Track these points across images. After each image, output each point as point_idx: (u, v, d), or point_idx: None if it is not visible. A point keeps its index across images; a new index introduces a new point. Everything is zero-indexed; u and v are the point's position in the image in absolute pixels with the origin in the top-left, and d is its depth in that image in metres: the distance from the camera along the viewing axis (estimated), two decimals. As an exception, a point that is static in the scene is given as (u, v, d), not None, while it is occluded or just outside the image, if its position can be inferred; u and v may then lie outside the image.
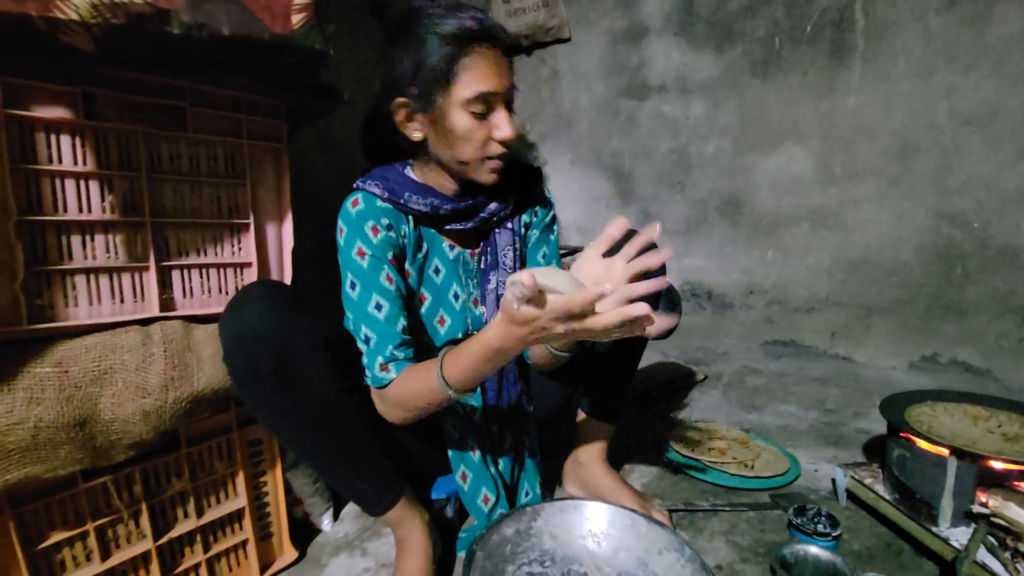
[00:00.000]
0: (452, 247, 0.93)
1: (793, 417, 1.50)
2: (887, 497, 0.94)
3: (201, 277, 0.80)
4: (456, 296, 0.94)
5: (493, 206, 0.92)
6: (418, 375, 0.79)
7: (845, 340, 1.96)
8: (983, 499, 0.81)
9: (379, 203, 0.85)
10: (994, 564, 0.74)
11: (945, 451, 0.84)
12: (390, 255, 0.84)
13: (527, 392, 1.01)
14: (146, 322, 0.75)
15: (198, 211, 0.79)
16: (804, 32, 1.93)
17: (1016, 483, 0.81)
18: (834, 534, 0.86)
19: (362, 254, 0.82)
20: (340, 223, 0.85)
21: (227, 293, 0.83)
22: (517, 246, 0.97)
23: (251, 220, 0.85)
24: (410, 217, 0.88)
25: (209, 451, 0.85)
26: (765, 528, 1.00)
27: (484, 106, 0.78)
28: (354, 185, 0.87)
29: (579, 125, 2.47)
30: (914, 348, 1.83)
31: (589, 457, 1.09)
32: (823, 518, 0.90)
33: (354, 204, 0.84)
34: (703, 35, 2.14)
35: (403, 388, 0.80)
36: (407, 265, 0.88)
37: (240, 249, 0.84)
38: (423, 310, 0.91)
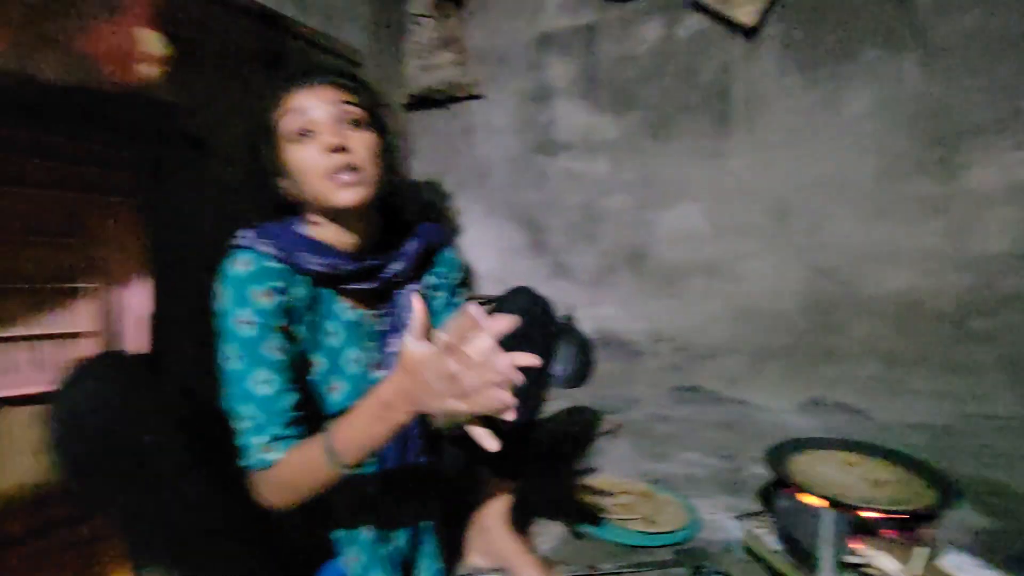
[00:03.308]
0: (351, 308, 0.88)
1: (697, 465, 1.52)
2: (775, 548, 0.96)
3: (16, 351, 0.68)
4: (355, 361, 0.88)
5: (397, 266, 0.88)
6: (303, 451, 0.71)
7: (742, 385, 2.06)
8: (857, 548, 0.84)
9: (269, 263, 0.77)
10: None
11: (821, 502, 0.87)
12: (281, 322, 0.76)
13: (435, 457, 0.95)
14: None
15: (12, 273, 0.68)
16: (692, 101, 2.11)
17: (884, 531, 0.85)
18: (728, 595, 0.85)
19: (247, 323, 0.74)
20: (220, 287, 0.76)
21: (53, 370, 0.71)
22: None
23: (86, 284, 0.74)
24: (305, 277, 0.81)
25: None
26: (667, 590, 0.98)
27: (307, 136, 0.78)
28: (236, 243, 0.78)
29: (493, 178, 2.52)
30: (801, 391, 1.96)
31: (493, 521, 1.03)
32: (718, 578, 0.90)
33: (239, 265, 0.76)
34: (605, 99, 2.28)
35: (288, 468, 0.71)
36: (300, 328, 0.81)
37: (74, 317, 0.73)
38: (315, 377, 0.84)
